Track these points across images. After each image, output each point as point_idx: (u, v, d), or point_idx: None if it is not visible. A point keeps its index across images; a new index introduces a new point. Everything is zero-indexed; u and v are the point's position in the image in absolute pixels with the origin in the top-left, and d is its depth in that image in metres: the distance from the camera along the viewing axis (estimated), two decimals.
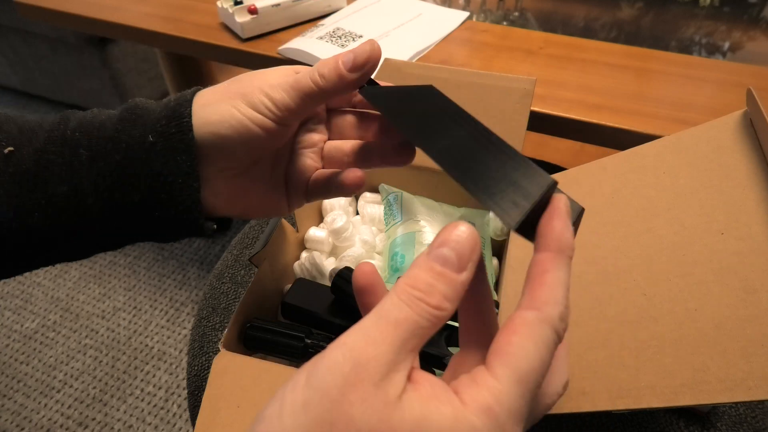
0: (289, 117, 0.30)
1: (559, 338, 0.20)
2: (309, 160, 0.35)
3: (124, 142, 0.29)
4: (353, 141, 0.35)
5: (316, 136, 0.35)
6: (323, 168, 0.35)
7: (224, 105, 0.30)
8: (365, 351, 0.17)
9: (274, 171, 0.35)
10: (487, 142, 0.25)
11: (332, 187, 0.34)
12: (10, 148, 0.29)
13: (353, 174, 0.33)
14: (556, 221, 0.21)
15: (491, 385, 0.18)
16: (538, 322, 0.19)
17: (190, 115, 0.29)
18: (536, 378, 0.19)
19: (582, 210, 0.24)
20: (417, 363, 0.20)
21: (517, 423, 0.18)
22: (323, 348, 0.45)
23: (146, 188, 0.29)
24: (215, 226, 0.33)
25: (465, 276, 0.20)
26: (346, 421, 0.16)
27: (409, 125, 0.27)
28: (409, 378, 0.18)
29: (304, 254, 0.57)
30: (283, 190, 0.35)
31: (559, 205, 0.21)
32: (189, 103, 0.30)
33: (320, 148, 0.35)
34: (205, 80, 1.16)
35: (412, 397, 0.18)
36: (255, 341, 0.46)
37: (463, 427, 0.17)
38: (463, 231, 0.20)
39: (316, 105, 0.32)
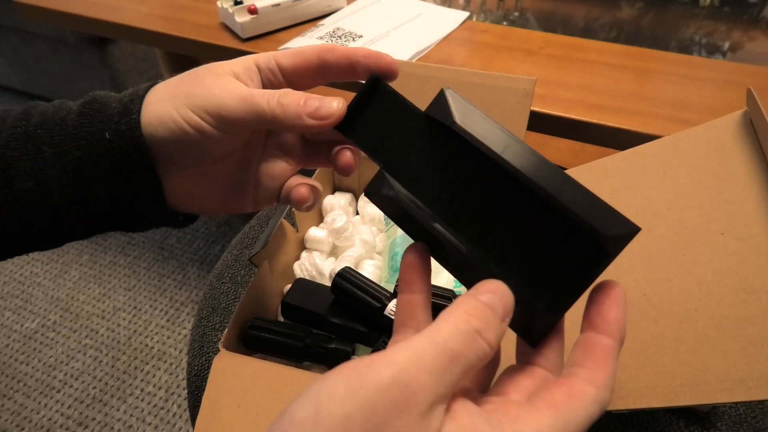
0: (233, 128, 0.28)
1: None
2: (281, 164, 0.32)
3: (83, 139, 0.29)
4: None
5: (291, 138, 0.32)
6: (301, 165, 0.33)
7: (166, 105, 0.28)
8: (418, 378, 0.17)
9: (240, 172, 0.32)
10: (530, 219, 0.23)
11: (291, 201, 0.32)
12: None
13: (298, 192, 0.31)
14: (620, 311, 0.22)
15: (534, 428, 0.18)
16: (596, 401, 0.20)
17: (138, 112, 0.28)
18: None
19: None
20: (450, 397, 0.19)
21: None
22: (323, 348, 0.45)
23: (110, 183, 0.29)
24: (181, 217, 0.32)
25: (505, 326, 0.20)
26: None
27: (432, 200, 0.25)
28: (447, 407, 0.18)
29: (304, 254, 0.57)
30: (248, 190, 0.32)
31: (621, 294, 0.22)
32: (140, 99, 0.29)
33: (297, 150, 0.32)
34: None
35: (451, 426, 0.17)
36: (255, 341, 0.46)
37: None
38: (501, 284, 0.21)
39: (267, 128, 0.30)
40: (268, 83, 0.30)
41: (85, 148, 0.29)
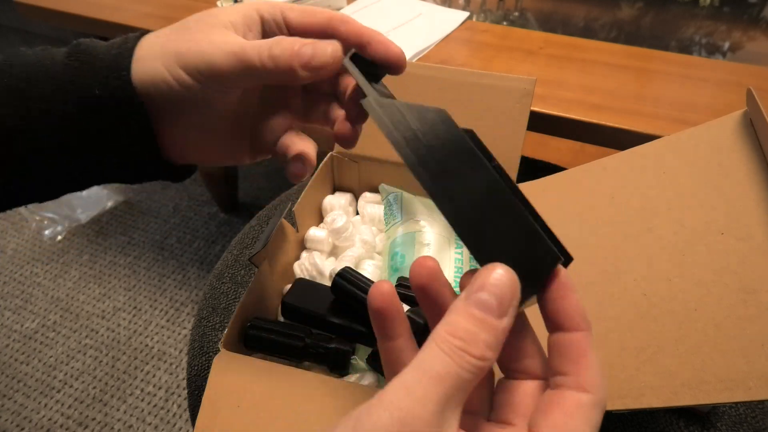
0: (225, 86, 0.27)
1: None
2: (278, 119, 0.30)
3: (72, 93, 0.27)
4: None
5: (289, 90, 0.31)
6: (300, 122, 0.32)
7: (157, 63, 0.27)
8: (412, 410, 0.17)
9: (236, 123, 0.31)
10: (499, 202, 0.23)
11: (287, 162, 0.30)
12: None
13: (295, 168, 0.30)
14: (573, 298, 0.21)
15: None
16: (593, 406, 0.19)
17: (129, 69, 0.27)
18: None
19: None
20: (459, 416, 0.19)
21: None
22: (323, 348, 0.45)
23: (102, 137, 0.28)
24: (177, 169, 0.31)
25: (506, 322, 0.19)
26: None
27: (421, 166, 0.24)
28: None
29: (304, 254, 0.57)
30: (245, 142, 0.31)
31: (567, 281, 0.21)
32: (130, 53, 0.27)
33: (296, 102, 0.31)
34: None
35: None
36: (255, 341, 0.46)
37: None
38: (501, 274, 0.19)
39: (261, 83, 0.29)
40: (271, 35, 0.29)
41: (74, 102, 0.27)
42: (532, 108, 0.53)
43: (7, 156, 0.27)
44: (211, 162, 0.32)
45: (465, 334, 0.18)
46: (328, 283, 0.50)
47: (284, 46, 0.26)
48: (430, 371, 0.17)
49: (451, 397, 0.17)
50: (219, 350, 0.41)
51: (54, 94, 0.27)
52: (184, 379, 1.08)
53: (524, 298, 0.20)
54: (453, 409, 0.18)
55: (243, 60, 0.26)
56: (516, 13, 0.87)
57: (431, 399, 0.17)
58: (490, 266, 0.20)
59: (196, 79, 0.26)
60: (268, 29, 0.29)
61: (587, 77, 0.66)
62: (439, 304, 0.23)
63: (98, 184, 0.30)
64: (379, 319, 0.23)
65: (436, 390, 0.17)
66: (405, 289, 0.45)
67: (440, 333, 0.18)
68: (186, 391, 0.58)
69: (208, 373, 0.40)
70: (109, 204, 1.41)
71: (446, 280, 0.23)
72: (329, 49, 0.26)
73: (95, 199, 1.40)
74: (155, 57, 0.27)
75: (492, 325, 0.19)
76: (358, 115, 0.30)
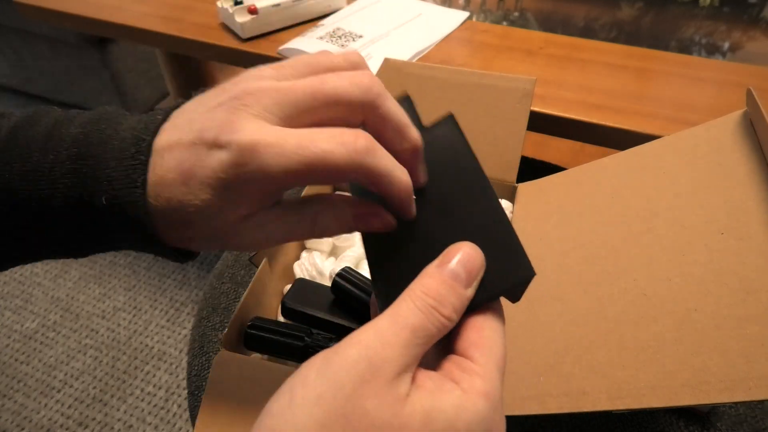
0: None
1: None
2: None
3: (74, 201, 0.24)
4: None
5: None
6: None
7: (178, 187, 0.22)
8: (381, 352, 0.18)
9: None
10: (481, 195, 0.25)
11: None
12: None
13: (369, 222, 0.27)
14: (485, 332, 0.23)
15: (481, 372, 0.20)
16: (497, 318, 0.22)
17: (144, 185, 0.23)
18: (505, 363, 0.21)
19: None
20: (414, 369, 0.21)
21: (501, 402, 0.21)
22: (323, 348, 0.45)
23: (104, 238, 0.25)
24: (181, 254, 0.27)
25: (470, 292, 0.21)
26: (360, 414, 0.17)
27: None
28: (413, 377, 0.19)
29: (304, 254, 0.57)
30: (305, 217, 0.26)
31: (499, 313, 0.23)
32: (145, 164, 0.23)
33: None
34: (205, 80, 1.16)
35: (419, 392, 0.19)
36: (255, 341, 0.46)
37: (469, 413, 0.19)
38: (472, 249, 0.22)
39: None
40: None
41: (74, 216, 0.24)
42: (532, 108, 0.53)
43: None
44: (221, 248, 0.27)
45: (437, 296, 0.20)
46: (328, 283, 0.50)
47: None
48: (403, 321, 0.19)
49: (417, 346, 0.19)
50: (219, 350, 0.41)
51: (53, 209, 0.24)
52: (184, 379, 1.08)
53: (490, 296, 0.22)
54: (415, 357, 0.19)
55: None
56: (516, 13, 0.87)
57: (399, 344, 0.19)
58: (462, 243, 0.22)
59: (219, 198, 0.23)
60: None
61: (587, 77, 0.66)
62: None
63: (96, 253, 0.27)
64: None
65: (405, 338, 0.19)
66: None
67: (416, 291, 0.20)
68: (186, 391, 0.58)
69: (208, 373, 0.40)
70: None
71: None
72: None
73: None
74: (175, 176, 0.23)
75: (459, 293, 0.21)
76: None
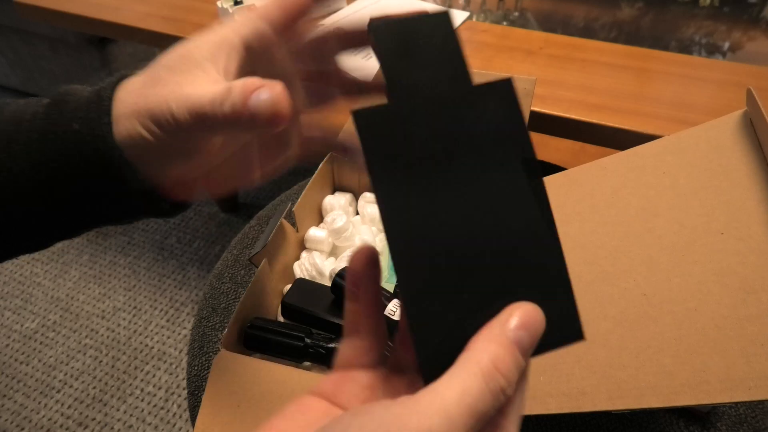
0: (195, 140, 0.26)
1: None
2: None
3: (51, 141, 0.27)
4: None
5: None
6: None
7: (133, 121, 0.26)
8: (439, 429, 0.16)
9: (239, 152, 0.30)
10: (536, 229, 0.20)
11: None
12: None
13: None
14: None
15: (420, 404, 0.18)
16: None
17: (110, 131, 0.26)
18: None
19: None
20: None
21: None
22: (323, 348, 0.45)
23: (84, 186, 0.27)
24: (168, 206, 0.30)
25: (526, 362, 0.19)
26: None
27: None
28: None
29: (304, 254, 0.57)
30: (253, 163, 0.30)
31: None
32: (108, 111, 0.26)
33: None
34: None
35: None
36: (255, 341, 0.46)
37: None
38: (540, 315, 0.19)
39: (217, 132, 0.27)
40: (261, 54, 0.28)
41: (55, 151, 0.27)
42: (532, 108, 0.53)
43: None
44: (218, 193, 0.31)
45: (508, 374, 0.18)
46: (328, 283, 0.50)
47: (234, 99, 0.24)
48: (473, 408, 0.17)
49: (473, 428, 0.17)
50: (219, 350, 0.41)
51: (35, 142, 0.27)
52: (184, 379, 1.08)
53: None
54: None
55: (200, 115, 0.24)
56: (516, 13, 0.87)
57: (463, 427, 0.17)
58: (525, 304, 0.19)
59: (169, 134, 0.25)
60: (257, 47, 0.28)
61: (587, 77, 0.66)
62: (366, 294, 0.23)
63: (88, 229, 0.30)
64: (352, 279, 0.24)
65: (468, 422, 0.17)
66: None
67: (487, 364, 0.18)
68: (186, 391, 0.58)
69: (208, 373, 0.40)
70: None
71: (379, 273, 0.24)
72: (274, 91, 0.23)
73: None
74: (129, 116, 0.26)
75: (520, 363, 0.18)
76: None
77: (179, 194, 0.29)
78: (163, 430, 1.01)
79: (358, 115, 0.19)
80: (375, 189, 0.19)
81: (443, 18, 0.21)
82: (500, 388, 0.17)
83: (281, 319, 0.51)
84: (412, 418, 0.16)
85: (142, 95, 0.26)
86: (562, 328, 0.20)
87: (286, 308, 0.49)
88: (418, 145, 0.20)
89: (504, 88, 0.21)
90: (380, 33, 0.21)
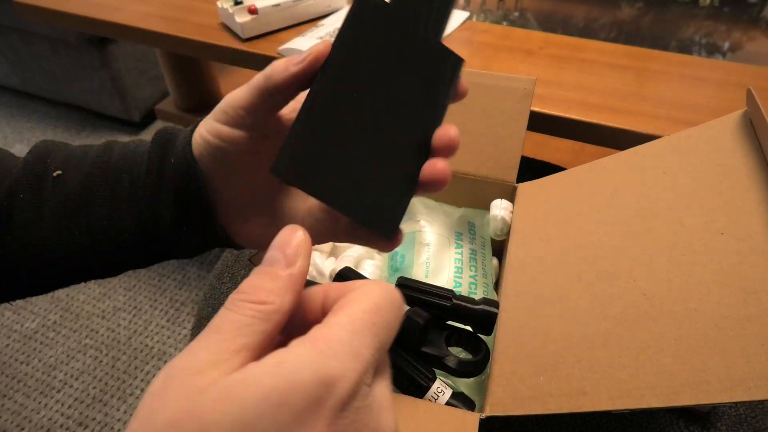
0: (241, 116, 0.29)
1: None
2: None
3: (154, 162, 0.31)
4: None
5: None
6: None
7: (201, 128, 0.31)
8: (179, 362, 0.18)
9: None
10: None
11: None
12: (59, 172, 0.31)
13: (434, 170, 0.28)
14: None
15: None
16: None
17: (191, 133, 0.31)
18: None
19: None
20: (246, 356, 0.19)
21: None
22: None
23: (172, 204, 0.31)
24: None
25: (295, 269, 0.21)
26: (152, 415, 0.17)
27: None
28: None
29: None
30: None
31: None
32: (197, 122, 0.31)
33: None
34: (205, 80, 1.16)
35: (230, 379, 0.17)
36: None
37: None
38: (283, 231, 0.22)
39: (270, 99, 0.30)
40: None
41: (156, 173, 0.31)
42: (532, 108, 0.53)
43: (87, 223, 0.31)
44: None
45: (248, 288, 0.20)
46: None
47: (281, 60, 0.28)
48: (208, 327, 0.19)
49: (227, 341, 0.18)
50: None
51: (139, 165, 0.32)
52: None
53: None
54: (231, 353, 0.18)
55: (251, 84, 0.28)
56: (516, 13, 0.87)
57: (201, 348, 0.18)
58: (281, 232, 0.22)
59: (222, 121, 0.29)
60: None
61: (587, 77, 0.66)
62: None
63: (161, 260, 0.34)
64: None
65: (209, 339, 0.18)
66: (405, 289, 0.45)
67: (229, 298, 0.20)
68: None
69: None
70: None
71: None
72: (320, 45, 0.27)
73: None
74: (202, 126, 0.31)
75: (276, 275, 0.20)
76: None
77: (251, 243, 0.34)
78: None
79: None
80: (327, 62, 0.26)
81: None
82: (238, 300, 0.19)
83: None
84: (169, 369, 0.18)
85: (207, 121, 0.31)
86: (381, 217, 0.26)
87: None
88: (376, 52, 0.26)
89: (455, 62, 0.28)
90: None
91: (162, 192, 0.31)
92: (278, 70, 0.27)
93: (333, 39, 0.26)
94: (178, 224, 0.32)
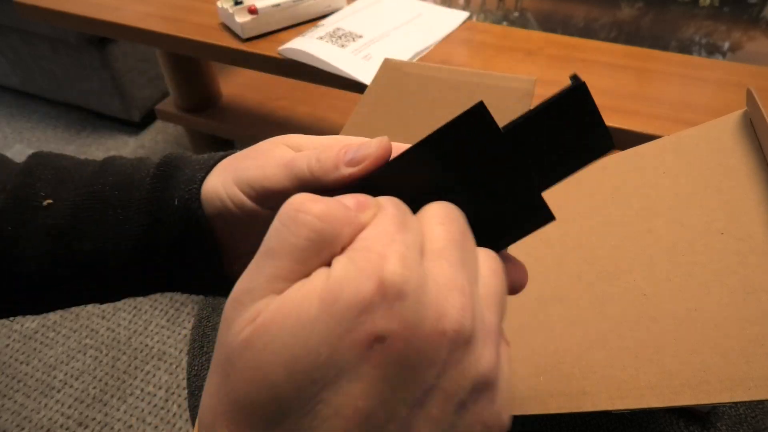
0: (276, 200, 0.25)
1: None
2: None
3: (153, 203, 0.28)
4: None
5: None
6: None
7: (217, 179, 0.27)
8: (241, 284, 0.18)
9: None
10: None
11: None
12: (49, 201, 0.29)
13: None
14: None
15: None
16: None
17: (201, 181, 0.28)
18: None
19: None
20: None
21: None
22: None
23: (168, 251, 0.29)
24: None
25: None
26: (220, 348, 0.19)
27: None
28: None
29: None
30: None
31: None
32: (209, 168, 0.28)
33: None
34: (205, 80, 1.16)
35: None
36: None
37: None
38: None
39: (308, 190, 0.28)
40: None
41: (153, 213, 0.28)
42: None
43: (72, 257, 0.29)
44: None
45: (296, 203, 0.18)
46: None
47: (331, 150, 0.24)
48: (259, 250, 0.18)
49: (283, 261, 0.18)
50: None
51: (135, 204, 0.28)
52: (184, 379, 1.08)
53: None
54: (270, 276, 0.18)
55: (291, 168, 0.25)
56: (516, 13, 0.87)
57: (253, 271, 0.18)
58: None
59: (248, 195, 0.26)
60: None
61: (587, 77, 0.66)
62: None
63: (162, 291, 0.31)
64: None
65: (260, 262, 0.18)
66: None
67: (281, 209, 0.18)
68: (186, 391, 0.58)
69: (208, 373, 0.40)
70: None
71: None
72: (374, 144, 0.24)
73: None
74: (218, 174, 0.28)
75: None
76: None
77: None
78: (163, 430, 1.01)
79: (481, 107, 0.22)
80: (397, 166, 0.22)
81: None
82: (289, 217, 0.18)
83: None
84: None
85: (236, 159, 0.28)
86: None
87: None
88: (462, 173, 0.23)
89: (543, 219, 0.25)
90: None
91: (156, 236, 0.28)
92: (327, 167, 0.24)
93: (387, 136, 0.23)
94: (176, 270, 0.29)
